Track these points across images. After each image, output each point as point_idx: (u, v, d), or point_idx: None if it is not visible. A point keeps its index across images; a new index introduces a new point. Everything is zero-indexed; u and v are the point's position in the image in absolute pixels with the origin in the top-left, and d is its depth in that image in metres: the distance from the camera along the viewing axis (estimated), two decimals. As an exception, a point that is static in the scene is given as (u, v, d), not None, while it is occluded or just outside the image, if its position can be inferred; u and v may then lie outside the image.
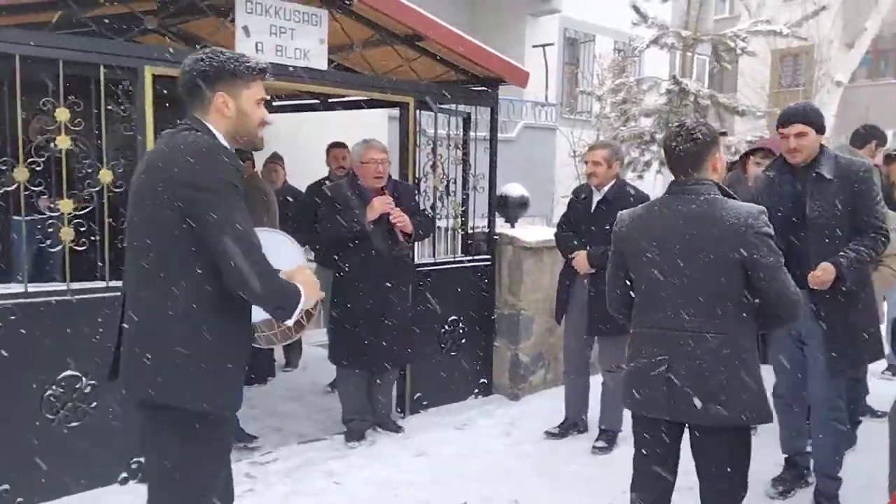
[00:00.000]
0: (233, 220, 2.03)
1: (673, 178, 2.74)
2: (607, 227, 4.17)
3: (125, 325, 2.16)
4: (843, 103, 5.88)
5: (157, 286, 2.07)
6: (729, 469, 2.66)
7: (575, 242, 4.31)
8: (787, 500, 3.71)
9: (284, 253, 3.59)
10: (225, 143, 2.18)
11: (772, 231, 2.56)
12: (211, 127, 2.17)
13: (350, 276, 4.21)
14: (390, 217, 4.12)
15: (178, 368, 2.07)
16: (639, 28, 8.75)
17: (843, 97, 6.21)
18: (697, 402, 2.54)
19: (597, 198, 4.30)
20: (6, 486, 3.26)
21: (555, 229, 4.64)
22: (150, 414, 2.14)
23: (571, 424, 4.52)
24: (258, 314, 2.35)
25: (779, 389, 3.73)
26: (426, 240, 5.21)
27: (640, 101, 9.39)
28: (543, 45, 13.34)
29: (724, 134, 5.70)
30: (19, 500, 3.29)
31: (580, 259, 4.23)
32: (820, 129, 3.38)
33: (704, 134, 2.62)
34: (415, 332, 4.56)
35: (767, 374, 5.19)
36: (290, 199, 5.46)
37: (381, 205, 4.10)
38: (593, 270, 4.17)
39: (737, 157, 5.11)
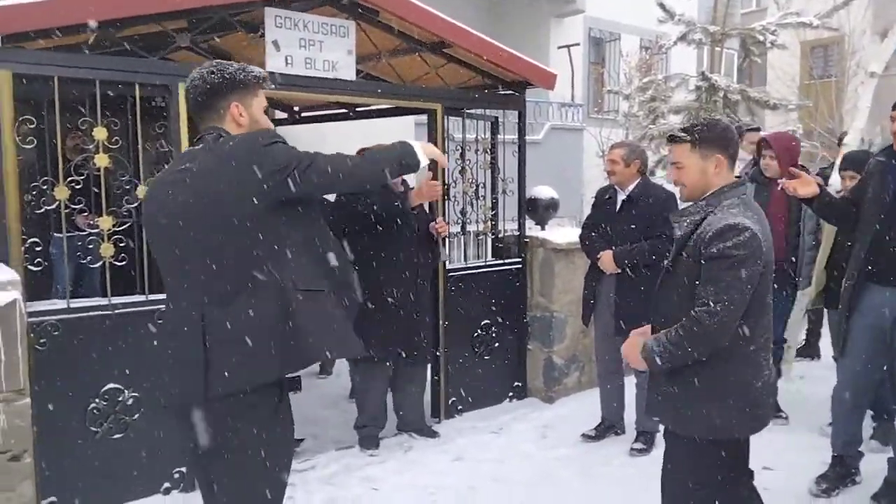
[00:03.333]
0: (318, 156, 2.17)
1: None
2: (633, 227, 4.19)
3: (211, 332, 2.13)
4: (876, 93, 5.77)
5: (257, 283, 2.11)
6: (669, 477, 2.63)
7: (598, 243, 4.30)
8: (832, 498, 3.64)
9: None
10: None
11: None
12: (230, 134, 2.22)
13: (373, 269, 4.17)
14: (435, 226, 4.29)
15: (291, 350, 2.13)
16: (665, 25, 8.68)
17: (875, 87, 6.10)
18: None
19: (621, 197, 4.30)
20: (53, 499, 3.34)
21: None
22: (229, 407, 2.13)
23: (608, 426, 4.50)
24: None
25: (840, 391, 3.67)
26: (456, 245, 5.25)
27: (668, 99, 9.31)
28: (568, 46, 13.31)
29: (756, 129, 5.64)
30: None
31: (606, 259, 4.21)
32: None
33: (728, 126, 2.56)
34: (432, 327, 4.59)
35: (821, 372, 5.18)
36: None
37: (434, 190, 4.14)
38: (619, 270, 4.16)
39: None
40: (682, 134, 2.48)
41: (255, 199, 2.08)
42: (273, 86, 2.43)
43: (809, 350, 6.13)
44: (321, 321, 2.20)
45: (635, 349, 2.47)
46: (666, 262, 2.57)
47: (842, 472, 3.71)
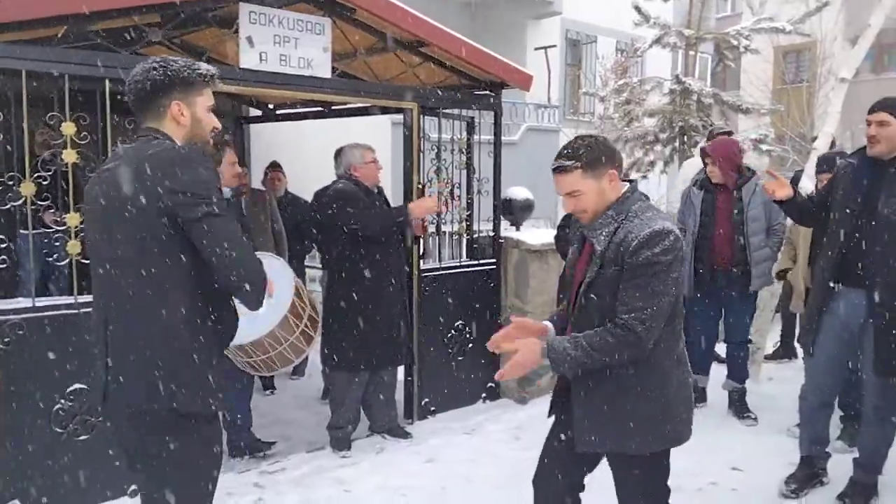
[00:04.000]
0: (226, 219, 2.09)
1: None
2: None
3: (112, 341, 2.14)
4: (846, 98, 5.85)
5: (148, 297, 2.08)
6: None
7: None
8: (800, 498, 3.69)
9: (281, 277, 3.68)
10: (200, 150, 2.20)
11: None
12: (170, 135, 2.18)
13: (348, 274, 4.21)
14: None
15: (177, 373, 2.10)
16: (641, 28, 8.75)
17: (847, 93, 6.19)
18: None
19: None
20: (16, 501, 3.27)
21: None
22: (148, 423, 2.12)
23: None
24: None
25: (807, 391, 3.72)
26: (432, 245, 5.24)
27: (643, 102, 9.38)
28: (545, 48, 13.34)
29: (728, 133, 5.69)
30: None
31: None
32: None
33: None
34: (412, 330, 4.58)
35: (791, 373, 5.25)
36: (291, 207, 5.46)
37: (432, 205, 4.31)
38: None
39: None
40: (570, 162, 2.34)
41: (152, 214, 2.04)
42: (221, 83, 2.36)
43: (786, 351, 6.21)
44: (188, 361, 2.13)
45: (534, 351, 2.33)
46: (583, 285, 2.41)
47: (809, 472, 3.75)
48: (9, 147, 3.31)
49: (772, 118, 12.58)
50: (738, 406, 4.88)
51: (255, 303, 2.20)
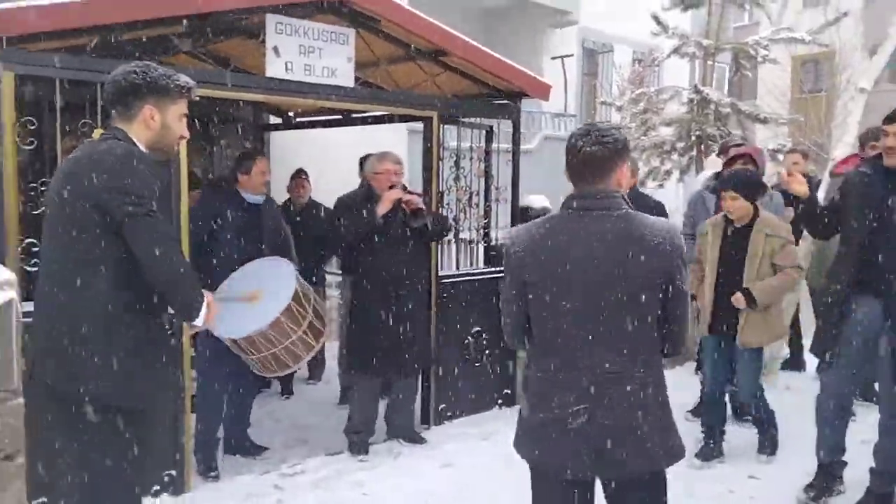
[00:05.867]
0: (154, 223, 2.20)
1: (573, 188, 2.32)
2: None
3: (41, 322, 2.30)
4: (865, 108, 5.86)
5: (74, 285, 2.22)
6: None
7: None
8: None
9: (272, 268, 3.80)
10: (144, 151, 2.32)
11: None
12: (133, 137, 2.30)
13: (365, 282, 4.29)
14: (401, 201, 4.20)
15: (100, 365, 2.21)
16: (659, 38, 8.77)
17: (865, 103, 6.19)
18: (625, 454, 2.20)
19: None
20: (43, 499, 3.34)
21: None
22: (69, 409, 2.26)
23: None
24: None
25: (824, 399, 3.72)
26: (449, 252, 5.30)
27: (660, 111, 9.39)
28: (562, 57, 13.39)
29: (740, 145, 5.70)
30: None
31: None
32: None
33: (617, 139, 2.25)
34: (431, 338, 4.62)
35: (806, 383, 5.23)
36: (314, 214, 5.53)
37: (392, 195, 4.18)
38: None
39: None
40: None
41: (85, 208, 2.18)
42: (197, 97, 2.49)
43: (795, 363, 6.20)
44: (113, 357, 2.25)
45: None
46: None
47: (827, 480, 3.76)
48: (40, 150, 3.41)
49: (790, 128, 12.54)
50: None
51: (179, 305, 2.31)
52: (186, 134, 2.48)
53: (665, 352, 2.35)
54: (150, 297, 2.30)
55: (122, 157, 2.20)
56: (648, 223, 2.21)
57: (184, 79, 2.39)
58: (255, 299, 3.70)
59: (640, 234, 2.18)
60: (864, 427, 4.35)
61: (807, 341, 6.03)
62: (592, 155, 2.21)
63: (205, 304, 2.35)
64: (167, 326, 2.49)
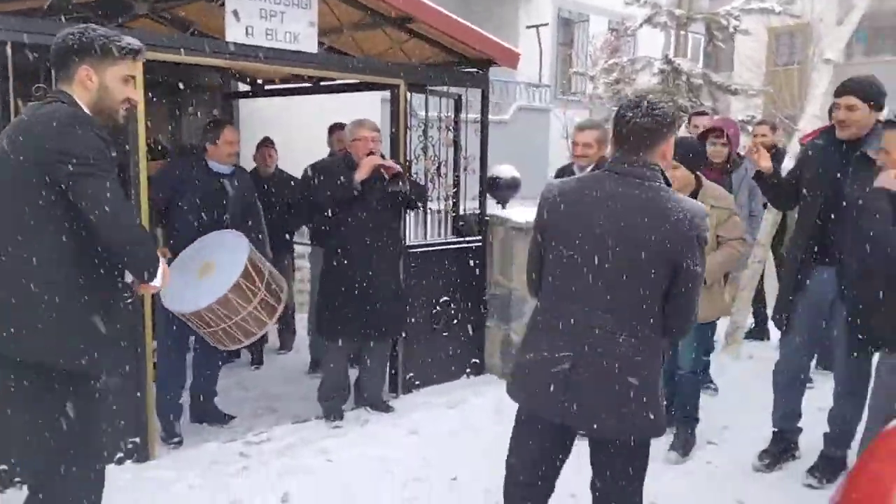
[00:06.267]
0: (101, 183, 2.20)
1: (614, 154, 2.42)
2: None
3: None
4: (837, 81, 5.85)
5: (21, 251, 2.23)
6: (625, 485, 2.44)
7: None
8: (773, 472, 3.79)
9: (228, 241, 3.81)
10: (89, 114, 2.31)
11: (707, 238, 2.34)
12: (76, 98, 2.31)
13: (340, 249, 4.28)
14: (381, 168, 4.19)
15: (43, 328, 2.24)
16: (632, 7, 8.76)
17: (839, 75, 6.16)
18: (597, 411, 2.29)
19: None
20: (4, 467, 3.32)
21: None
22: (24, 371, 2.28)
23: None
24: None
25: (780, 366, 3.80)
26: (418, 222, 5.28)
27: (633, 82, 9.40)
28: (537, 26, 13.30)
29: (704, 113, 5.72)
30: (17, 479, 3.35)
31: None
32: (876, 106, 3.27)
33: (666, 113, 2.31)
34: (405, 305, 4.63)
35: (766, 353, 5.33)
36: (280, 183, 5.48)
37: (370, 161, 4.16)
38: None
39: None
40: None
41: (30, 170, 2.19)
42: (143, 58, 2.50)
43: (759, 332, 6.30)
44: (54, 318, 2.26)
45: None
46: None
47: (782, 446, 3.85)
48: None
49: (763, 100, 12.62)
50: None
51: (133, 264, 2.33)
52: (135, 96, 2.48)
53: (669, 333, 2.37)
54: (99, 260, 2.31)
55: (62, 119, 2.20)
56: (675, 199, 2.27)
57: (126, 40, 2.38)
58: (207, 273, 3.69)
59: (662, 206, 2.24)
60: (821, 394, 4.45)
61: (770, 311, 6.18)
62: (641, 126, 2.27)
63: (161, 264, 2.37)
64: (122, 290, 2.50)
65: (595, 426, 2.33)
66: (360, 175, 4.13)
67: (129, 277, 2.47)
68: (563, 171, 4.50)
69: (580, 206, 2.34)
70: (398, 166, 4.31)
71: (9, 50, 3.19)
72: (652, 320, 2.31)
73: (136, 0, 3.67)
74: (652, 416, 2.33)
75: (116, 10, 3.73)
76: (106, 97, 2.36)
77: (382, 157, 4.33)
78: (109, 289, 2.42)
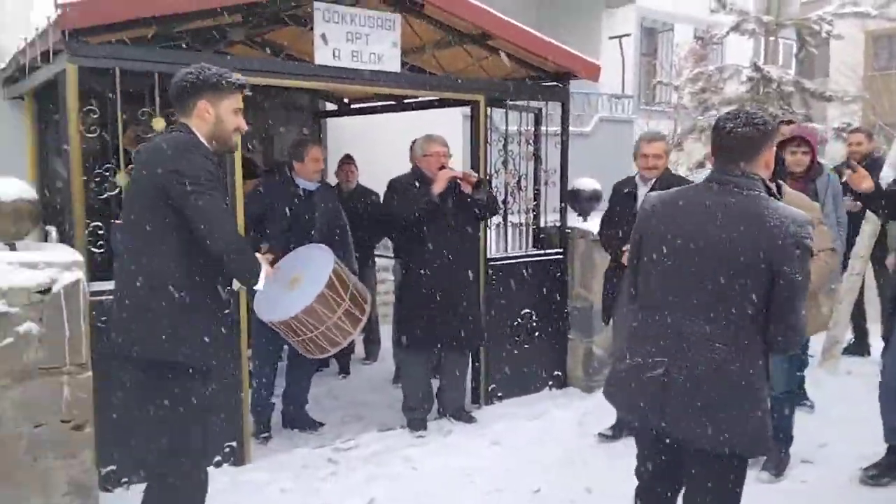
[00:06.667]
0: (208, 200, 2.46)
1: (714, 166, 2.44)
2: None
3: (117, 294, 2.66)
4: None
5: (143, 259, 2.54)
6: (712, 496, 2.39)
7: (619, 239, 4.16)
8: (881, 487, 3.62)
9: (315, 255, 3.97)
10: (203, 142, 2.60)
11: (812, 246, 2.27)
12: (193, 129, 2.60)
13: (418, 261, 4.38)
14: (458, 180, 4.30)
15: (161, 329, 2.51)
16: (718, 14, 8.57)
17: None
18: (690, 418, 2.27)
19: (644, 190, 4.12)
20: (113, 467, 3.54)
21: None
22: (140, 369, 2.60)
23: (624, 425, 4.33)
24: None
25: (886, 377, 3.66)
26: (500, 235, 5.33)
27: (720, 90, 9.18)
28: (620, 37, 13.18)
29: (789, 122, 5.54)
30: (124, 480, 3.57)
31: None
32: None
33: (766, 122, 2.35)
34: (482, 316, 4.68)
35: (871, 368, 5.10)
36: (363, 199, 5.63)
37: (446, 174, 4.28)
38: None
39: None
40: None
41: (152, 188, 2.50)
42: (249, 93, 2.76)
43: (859, 348, 6.02)
44: (172, 321, 2.54)
45: None
46: None
47: (893, 460, 3.67)
48: (106, 138, 3.60)
49: (860, 106, 12.07)
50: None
51: (237, 272, 2.64)
52: (243, 126, 2.75)
53: (771, 343, 2.32)
54: (209, 268, 2.59)
55: (178, 145, 2.52)
56: (773, 207, 2.27)
57: (235, 76, 2.67)
58: (295, 285, 3.85)
59: (759, 213, 2.24)
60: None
61: (872, 325, 5.90)
62: (742, 136, 2.31)
63: (263, 270, 2.64)
64: (227, 298, 2.82)
65: (688, 434, 2.31)
66: (438, 188, 4.23)
67: (235, 285, 2.77)
68: (622, 185, 4.37)
69: (679, 216, 2.38)
70: (475, 174, 4.41)
71: (118, 75, 3.44)
72: (752, 330, 2.28)
73: (233, 27, 3.90)
74: (750, 430, 2.28)
75: (214, 37, 3.97)
76: (221, 127, 2.65)
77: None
78: (218, 295, 2.71)
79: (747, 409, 2.28)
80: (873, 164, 5.75)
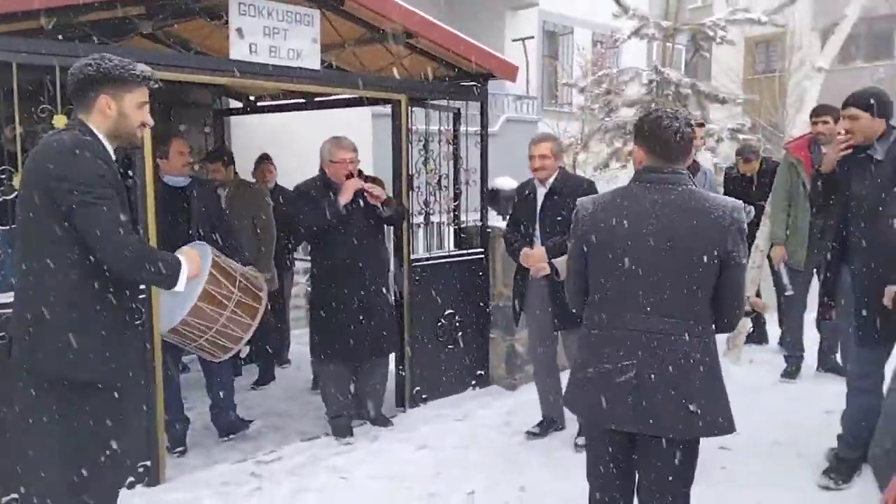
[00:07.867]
0: (97, 210, 2.26)
1: (646, 164, 2.48)
2: (559, 219, 4.03)
3: (14, 306, 2.44)
4: (821, 89, 5.99)
5: (42, 271, 2.32)
6: (676, 481, 2.47)
7: (520, 242, 4.20)
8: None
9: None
10: (104, 141, 2.40)
11: (745, 229, 2.40)
12: (92, 126, 2.39)
13: (328, 270, 4.26)
14: (364, 192, 4.17)
15: (64, 344, 2.31)
16: (619, 19, 8.82)
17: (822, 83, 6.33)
18: (669, 413, 2.33)
19: (542, 191, 4.17)
20: (14, 496, 3.26)
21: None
22: (36, 385, 2.36)
23: (550, 422, 4.42)
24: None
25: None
26: (420, 235, 5.28)
27: (621, 93, 9.46)
28: (523, 39, 13.41)
29: (701, 125, 5.78)
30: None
31: (538, 254, 4.07)
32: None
33: (690, 123, 2.48)
34: (396, 323, 4.62)
35: (769, 356, 5.34)
36: (282, 200, 5.46)
37: (353, 185, 4.15)
38: (548, 270, 4.06)
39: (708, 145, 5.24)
40: None
41: (39, 195, 2.28)
42: (156, 85, 2.55)
43: (758, 336, 6.35)
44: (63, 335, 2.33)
45: None
46: None
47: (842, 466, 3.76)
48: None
49: (744, 108, 12.77)
50: None
51: (147, 281, 2.58)
52: (149, 121, 2.53)
53: (720, 325, 2.44)
54: (104, 279, 2.37)
55: (65, 147, 2.28)
56: (710, 197, 2.38)
57: (140, 68, 2.46)
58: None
59: (700, 206, 2.34)
60: (827, 397, 4.49)
61: (768, 315, 6.25)
62: (686, 135, 2.41)
63: (184, 268, 2.45)
64: (136, 311, 2.58)
65: (662, 425, 2.36)
66: (344, 199, 4.11)
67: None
68: (522, 188, 4.39)
69: (618, 217, 2.41)
70: (383, 192, 4.27)
71: (14, 70, 3.15)
72: (705, 318, 2.39)
73: (140, 19, 3.65)
74: (724, 411, 2.39)
75: (118, 29, 3.71)
76: (124, 123, 2.44)
77: (361, 173, 4.32)
78: (125, 308, 2.48)
79: (717, 392, 2.39)
80: (767, 162, 6.10)
